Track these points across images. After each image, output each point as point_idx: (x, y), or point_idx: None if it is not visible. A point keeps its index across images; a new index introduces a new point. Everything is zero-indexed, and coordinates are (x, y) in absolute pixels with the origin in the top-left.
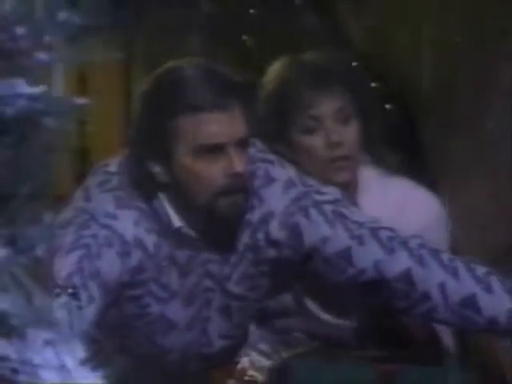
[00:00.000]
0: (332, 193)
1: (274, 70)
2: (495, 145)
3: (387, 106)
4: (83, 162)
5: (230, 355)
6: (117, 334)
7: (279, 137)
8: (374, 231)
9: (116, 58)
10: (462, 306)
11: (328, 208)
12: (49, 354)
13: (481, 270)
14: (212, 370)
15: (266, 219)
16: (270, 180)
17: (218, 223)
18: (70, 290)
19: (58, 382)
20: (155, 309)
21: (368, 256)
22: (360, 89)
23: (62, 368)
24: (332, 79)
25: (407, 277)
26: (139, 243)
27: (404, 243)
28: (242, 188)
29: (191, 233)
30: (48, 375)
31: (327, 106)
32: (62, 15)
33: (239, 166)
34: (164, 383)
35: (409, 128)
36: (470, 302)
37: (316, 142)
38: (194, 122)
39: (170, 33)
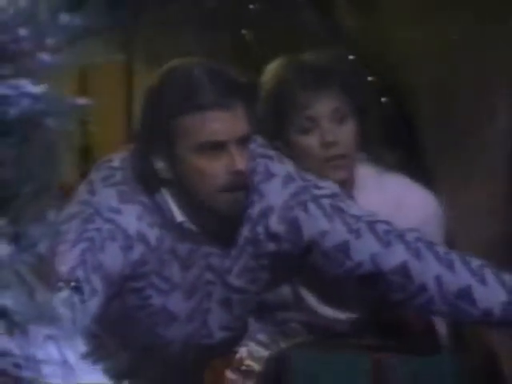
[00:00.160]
0: (330, 187)
1: (272, 69)
2: (495, 145)
3: (383, 100)
4: (86, 161)
5: (230, 346)
6: (119, 326)
7: (277, 136)
8: (371, 225)
9: (117, 58)
10: (457, 297)
11: (326, 202)
12: (51, 350)
13: (475, 263)
14: (212, 360)
15: (265, 213)
16: (269, 175)
17: (219, 219)
18: (72, 284)
19: (60, 382)
20: (157, 300)
21: (365, 249)
22: (357, 88)
23: (65, 363)
24: (329, 80)
25: (404, 269)
26: (142, 237)
27: (400, 236)
28: (243, 185)
29: (193, 227)
30: (50, 370)
31: (323, 106)
32: (64, 17)
33: (240, 163)
34: (165, 374)
35: (405, 125)
36: (465, 294)
37: (312, 141)
38: (198, 120)
39: (170, 28)
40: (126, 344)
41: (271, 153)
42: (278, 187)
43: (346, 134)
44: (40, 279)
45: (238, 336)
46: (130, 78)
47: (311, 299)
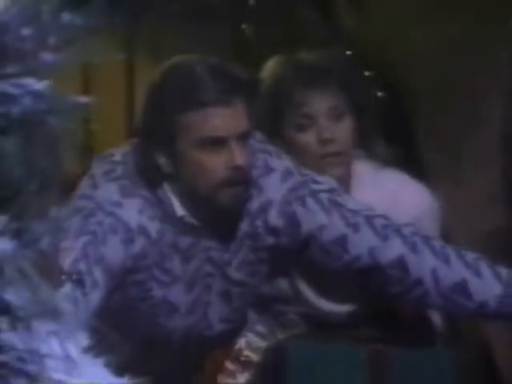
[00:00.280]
0: (328, 182)
1: (269, 67)
2: (492, 143)
3: (379, 94)
4: (88, 159)
5: (230, 338)
6: (121, 318)
7: (275, 133)
8: (369, 219)
9: (118, 56)
10: (453, 291)
11: (324, 197)
12: (53, 344)
13: (471, 256)
14: (212, 351)
15: (264, 208)
16: (268, 170)
17: (219, 213)
18: (75, 277)
19: (63, 375)
20: (158, 292)
21: (363, 243)
22: (354, 86)
23: (67, 357)
24: (326, 78)
25: (401, 263)
26: (143, 231)
27: (398, 231)
28: (243, 180)
29: (193, 221)
30: (53, 364)
31: (321, 104)
32: (66, 16)
33: (240, 159)
34: (166, 365)
35: (402, 121)
36: (461, 288)
37: (309, 138)
38: (199, 117)
39: (171, 25)
40: (127, 336)
41: (270, 148)
42: (276, 182)
43: (342, 131)
44: (43, 275)
45: (237, 328)
46: (132, 77)
47: (309, 292)
